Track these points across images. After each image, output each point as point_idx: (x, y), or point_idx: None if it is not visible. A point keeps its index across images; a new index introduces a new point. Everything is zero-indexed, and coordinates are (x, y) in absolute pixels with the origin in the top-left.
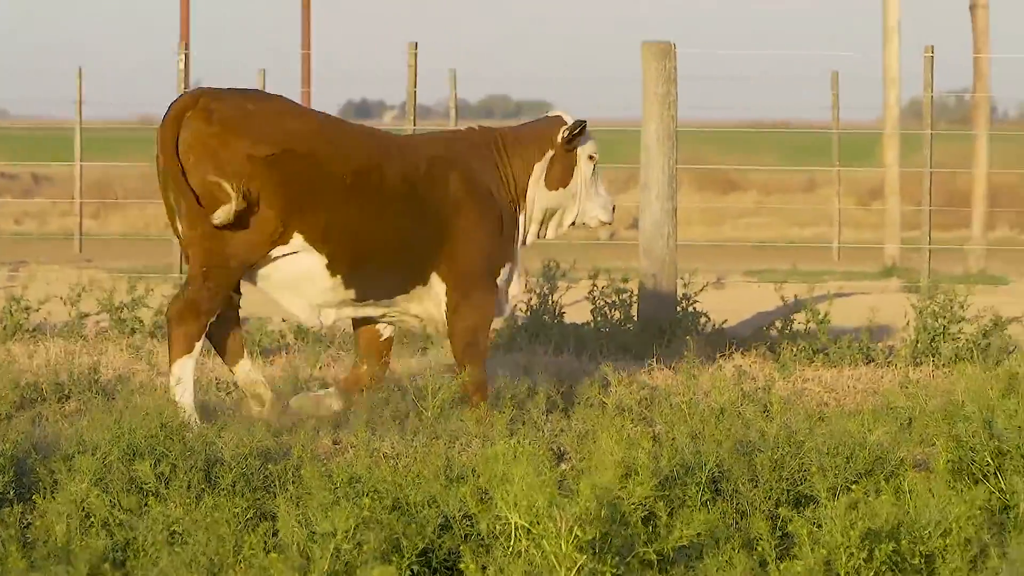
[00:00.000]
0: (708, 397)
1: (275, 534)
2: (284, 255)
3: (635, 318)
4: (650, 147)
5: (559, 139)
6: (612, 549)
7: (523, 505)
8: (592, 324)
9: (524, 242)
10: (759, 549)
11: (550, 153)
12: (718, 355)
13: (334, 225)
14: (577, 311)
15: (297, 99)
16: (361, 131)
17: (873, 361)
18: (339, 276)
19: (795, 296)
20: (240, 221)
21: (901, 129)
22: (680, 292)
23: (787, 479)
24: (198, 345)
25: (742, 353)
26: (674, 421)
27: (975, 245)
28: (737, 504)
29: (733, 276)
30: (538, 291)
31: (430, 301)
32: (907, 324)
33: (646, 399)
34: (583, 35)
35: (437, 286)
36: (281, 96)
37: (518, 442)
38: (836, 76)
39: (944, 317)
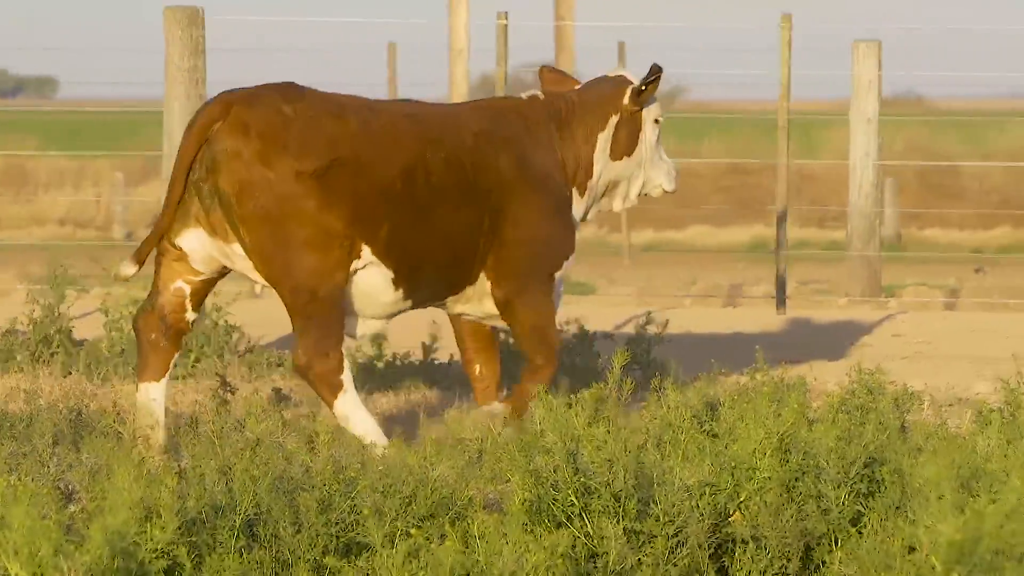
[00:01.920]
0: (243, 426)
1: None
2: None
3: None
4: (174, 132)
5: (625, 102)
6: None
7: (24, 553)
8: (106, 340)
9: (585, 218)
10: None
11: (614, 119)
12: (255, 376)
13: (396, 233)
14: (89, 324)
15: None
16: (403, 114)
17: (437, 384)
18: (402, 289)
19: None
20: (306, 243)
21: None
22: (210, 303)
23: (336, 523)
24: (345, 376)
25: (282, 374)
26: (203, 454)
27: None
28: (277, 552)
29: None
30: (42, 302)
31: (477, 299)
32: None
33: (172, 427)
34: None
35: (484, 283)
36: (310, 89)
37: (19, 479)
38: (394, 48)
39: None
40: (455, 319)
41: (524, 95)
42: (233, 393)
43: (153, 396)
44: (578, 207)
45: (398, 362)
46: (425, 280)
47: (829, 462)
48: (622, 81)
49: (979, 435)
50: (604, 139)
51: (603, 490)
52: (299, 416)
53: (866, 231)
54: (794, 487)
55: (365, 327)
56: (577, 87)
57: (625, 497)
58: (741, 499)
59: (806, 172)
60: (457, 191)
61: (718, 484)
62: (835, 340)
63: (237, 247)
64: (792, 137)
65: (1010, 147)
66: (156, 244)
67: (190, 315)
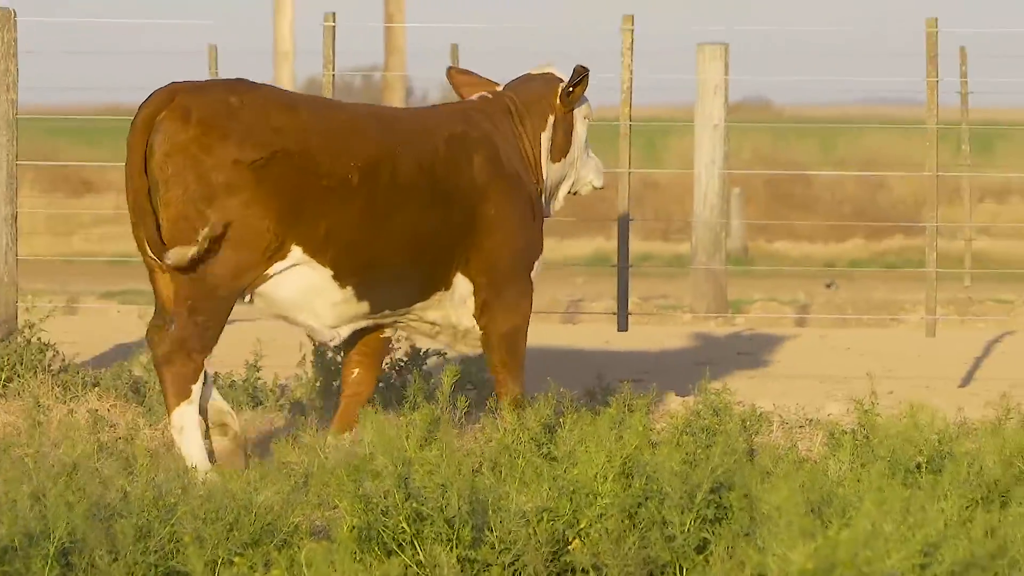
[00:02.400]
0: (58, 449)
1: None
2: (282, 271)
3: None
4: None
5: (558, 101)
6: None
7: None
8: None
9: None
10: None
11: (551, 119)
12: (70, 397)
13: (336, 232)
14: None
15: None
16: (367, 116)
17: (262, 404)
18: (349, 288)
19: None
20: (228, 239)
21: None
22: (22, 319)
23: (155, 551)
24: (195, 388)
25: (99, 395)
26: (16, 479)
27: None
28: None
29: (87, 299)
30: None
31: (451, 306)
32: (303, 359)
33: None
34: None
35: (462, 287)
36: (264, 85)
37: None
38: (214, 50)
39: None
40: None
41: (474, 97)
42: (47, 414)
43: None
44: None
45: (220, 382)
46: (382, 283)
47: (673, 487)
48: (552, 79)
49: (831, 458)
50: (546, 139)
51: (436, 516)
52: (116, 439)
53: (711, 244)
54: (637, 513)
55: (330, 334)
56: (501, 87)
57: (459, 523)
58: (581, 526)
59: (649, 181)
60: (427, 193)
61: (557, 510)
62: (679, 358)
63: None
64: (634, 144)
65: (863, 155)
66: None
67: None
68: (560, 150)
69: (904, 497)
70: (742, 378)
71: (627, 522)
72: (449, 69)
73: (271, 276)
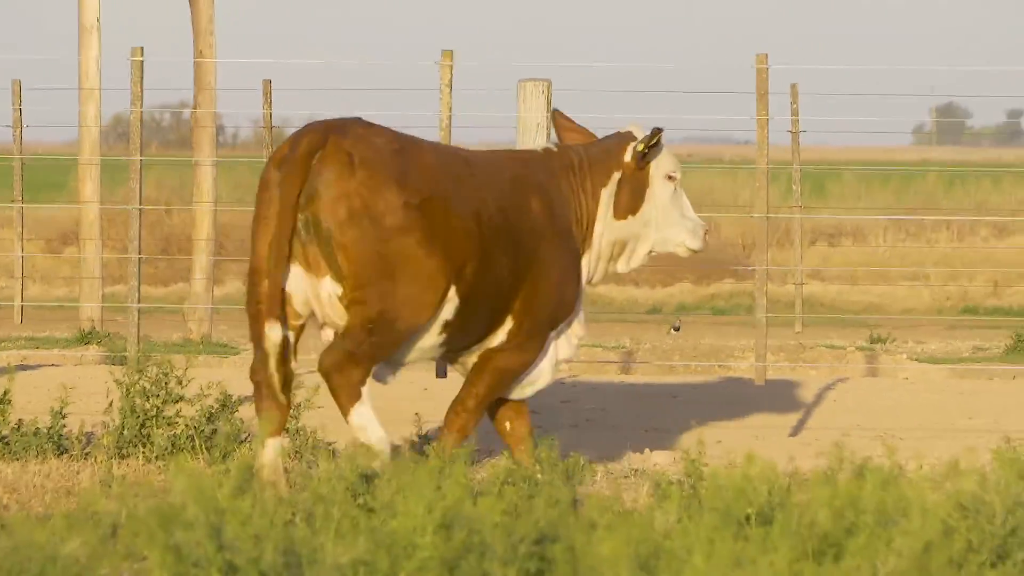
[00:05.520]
0: None
1: None
2: None
3: None
4: None
5: (627, 159)
6: None
7: None
8: None
9: (591, 281)
10: None
11: (616, 175)
12: None
13: (474, 273)
14: None
15: None
16: (463, 156)
17: (67, 452)
18: (447, 333)
19: None
20: (410, 278)
21: (103, 155)
22: None
23: None
24: (366, 391)
25: None
26: None
27: (197, 304)
28: None
29: None
30: None
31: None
32: (110, 405)
33: None
34: None
35: (503, 328)
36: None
37: None
38: (18, 85)
39: (158, 396)
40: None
41: (539, 148)
42: None
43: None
44: (584, 266)
45: (23, 429)
46: (466, 325)
47: (495, 539)
48: (627, 137)
49: (657, 510)
50: (607, 195)
51: (250, 568)
52: None
53: None
54: (458, 566)
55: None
56: (588, 142)
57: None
58: None
59: None
60: (503, 234)
61: (374, 563)
62: None
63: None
64: None
65: (691, 196)
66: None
67: (294, 363)
68: (625, 208)
69: (734, 550)
70: (564, 427)
71: (447, 575)
72: (554, 112)
73: None
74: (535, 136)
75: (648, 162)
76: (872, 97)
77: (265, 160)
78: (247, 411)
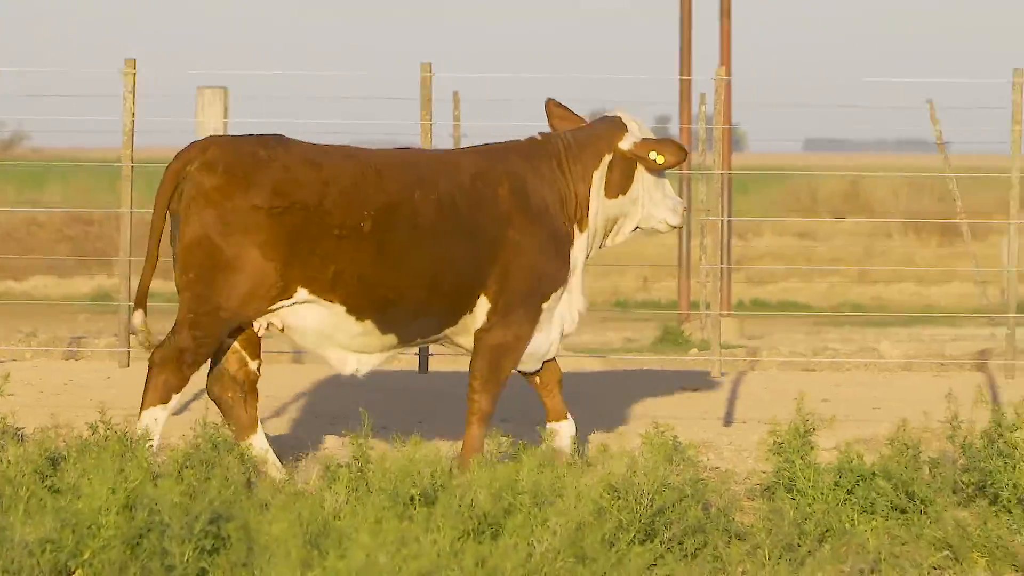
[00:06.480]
0: None
1: None
2: (295, 304)
3: None
4: None
5: (618, 143)
6: None
7: None
8: None
9: (588, 255)
10: None
11: (607, 158)
12: None
13: (345, 274)
14: None
15: None
16: (393, 162)
17: None
18: (367, 321)
19: None
20: (236, 270)
21: None
22: None
23: None
24: (175, 397)
25: None
26: None
27: None
28: None
29: None
30: None
31: (472, 328)
32: None
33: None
34: None
35: (481, 308)
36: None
37: None
38: None
39: None
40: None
41: (523, 138)
42: None
43: (262, 446)
44: (579, 245)
45: None
46: (409, 316)
47: (174, 518)
48: (616, 121)
49: (327, 491)
50: (599, 177)
51: None
52: None
53: None
54: (139, 544)
55: (363, 363)
56: (575, 128)
57: None
58: (84, 557)
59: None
60: (451, 228)
61: (60, 541)
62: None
63: None
64: (137, 186)
65: None
66: (147, 286)
67: (253, 364)
68: (616, 188)
69: (399, 528)
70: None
71: (129, 553)
72: (548, 101)
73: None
74: None
75: (665, 168)
76: (530, 103)
77: None
78: None
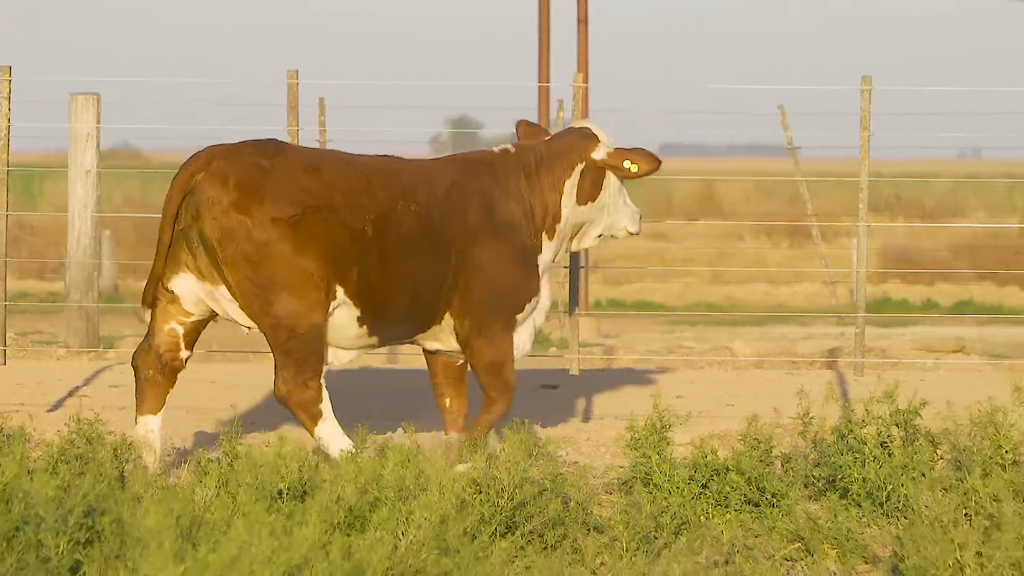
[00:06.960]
0: None
1: None
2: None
3: None
4: None
5: (591, 153)
6: None
7: None
8: None
9: (555, 259)
10: None
11: (580, 167)
12: None
13: (365, 279)
14: None
15: None
16: (378, 168)
17: None
18: (366, 326)
19: None
20: (289, 286)
21: None
22: None
23: None
24: (324, 406)
25: None
26: None
27: None
28: None
29: None
30: None
31: (444, 334)
32: None
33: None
34: None
35: (448, 320)
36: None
37: None
38: None
39: None
40: (429, 356)
41: (496, 148)
42: None
43: (151, 428)
44: (548, 251)
45: None
46: (392, 320)
47: (48, 512)
48: (587, 132)
49: (198, 485)
50: (571, 185)
51: None
52: None
53: (84, 282)
54: (15, 537)
55: (339, 357)
56: (546, 138)
57: None
58: None
59: (25, 223)
60: (428, 237)
61: None
62: (54, 391)
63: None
64: (12, 189)
65: None
66: (155, 288)
67: (184, 353)
68: (586, 195)
69: (268, 521)
70: (114, 409)
71: (5, 545)
72: (519, 123)
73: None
74: (85, 145)
75: (639, 176)
76: (394, 109)
77: None
78: None
